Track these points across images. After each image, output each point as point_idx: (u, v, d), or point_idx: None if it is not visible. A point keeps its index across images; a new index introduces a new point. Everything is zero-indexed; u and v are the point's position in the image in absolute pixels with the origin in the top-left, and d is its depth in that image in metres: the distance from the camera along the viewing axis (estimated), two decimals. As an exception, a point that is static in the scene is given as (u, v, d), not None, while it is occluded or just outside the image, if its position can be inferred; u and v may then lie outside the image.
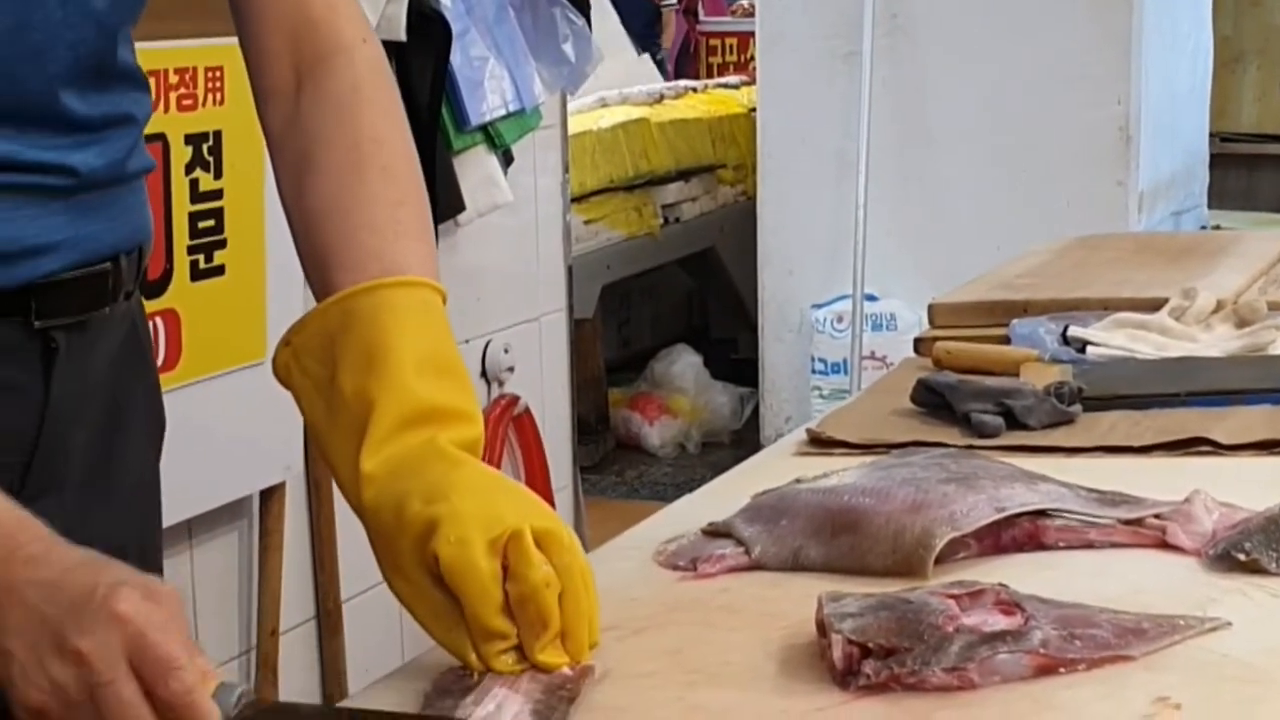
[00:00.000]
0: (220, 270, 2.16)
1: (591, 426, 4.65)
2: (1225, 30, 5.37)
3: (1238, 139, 5.67)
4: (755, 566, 1.18)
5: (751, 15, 5.15)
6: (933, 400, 1.54)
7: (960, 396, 1.51)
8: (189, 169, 2.10)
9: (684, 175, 5.05)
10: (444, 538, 0.93)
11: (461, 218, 2.76)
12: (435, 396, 0.98)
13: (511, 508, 0.95)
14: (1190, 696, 0.94)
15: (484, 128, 2.78)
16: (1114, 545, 1.19)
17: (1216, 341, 1.73)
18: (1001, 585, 1.03)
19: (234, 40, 1.16)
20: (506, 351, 3.01)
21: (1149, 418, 1.50)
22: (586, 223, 4.48)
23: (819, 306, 4.56)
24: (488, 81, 2.75)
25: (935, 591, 1.02)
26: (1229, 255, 2.12)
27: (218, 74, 2.11)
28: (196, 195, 2.12)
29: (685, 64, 6.60)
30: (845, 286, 4.44)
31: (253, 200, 2.18)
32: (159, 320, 2.11)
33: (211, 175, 2.13)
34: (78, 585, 0.85)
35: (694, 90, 5.54)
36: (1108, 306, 1.82)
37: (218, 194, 2.14)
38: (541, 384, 3.14)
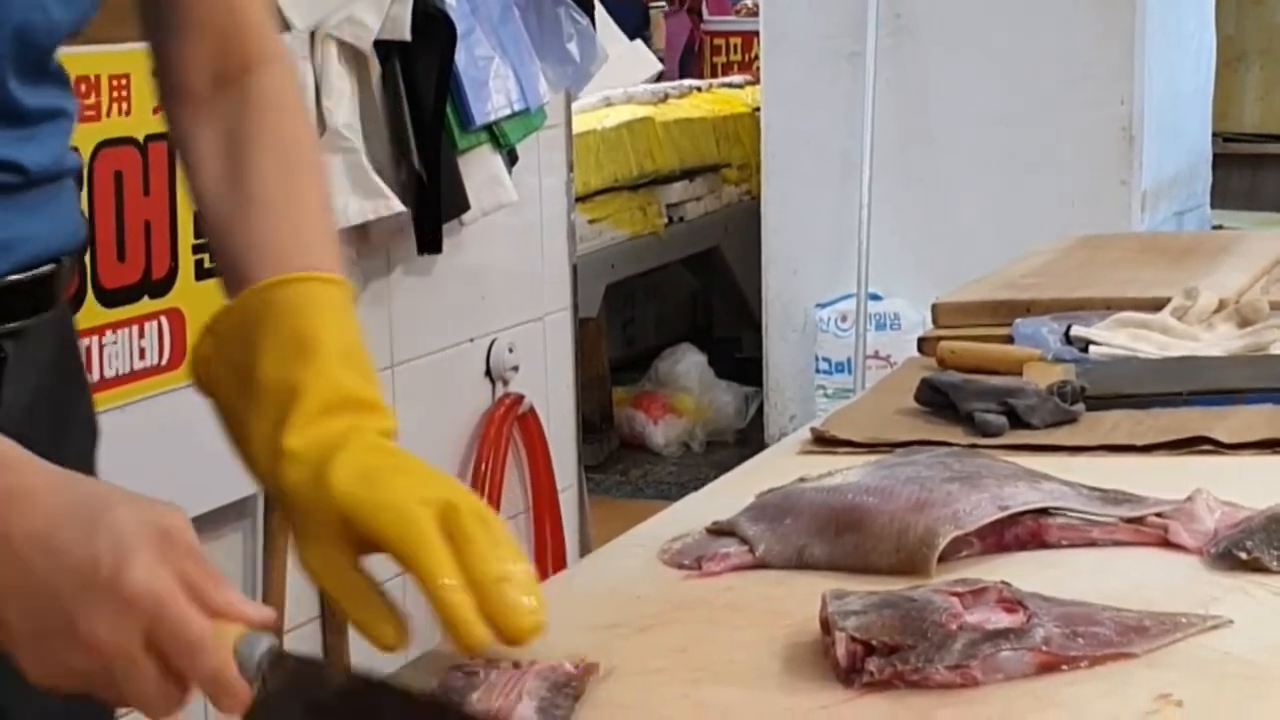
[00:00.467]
0: (225, 270, 2.16)
1: (596, 426, 4.66)
2: (1228, 30, 5.36)
3: (1241, 139, 5.67)
4: (760, 565, 1.18)
5: (756, 15, 5.14)
6: (936, 399, 1.54)
7: (964, 396, 1.51)
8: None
9: (688, 175, 5.05)
10: (377, 511, 0.93)
11: (466, 217, 2.77)
12: (358, 387, 0.99)
13: (442, 485, 0.95)
14: (1192, 694, 0.94)
15: (488, 127, 2.79)
16: (1116, 543, 1.19)
17: (1219, 341, 1.73)
18: (1004, 583, 1.03)
19: None
20: (511, 351, 3.02)
21: (1151, 417, 1.50)
22: (591, 222, 4.49)
23: (823, 306, 4.56)
24: (492, 81, 2.76)
25: (938, 589, 1.03)
26: (1231, 255, 2.12)
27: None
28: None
29: (690, 63, 6.59)
30: (849, 286, 4.44)
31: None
32: (163, 319, 2.12)
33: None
34: (77, 552, 0.81)
35: (698, 90, 5.54)
36: (1111, 306, 1.82)
37: (223, 193, 2.14)
38: (546, 383, 3.15)
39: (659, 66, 5.90)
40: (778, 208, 4.65)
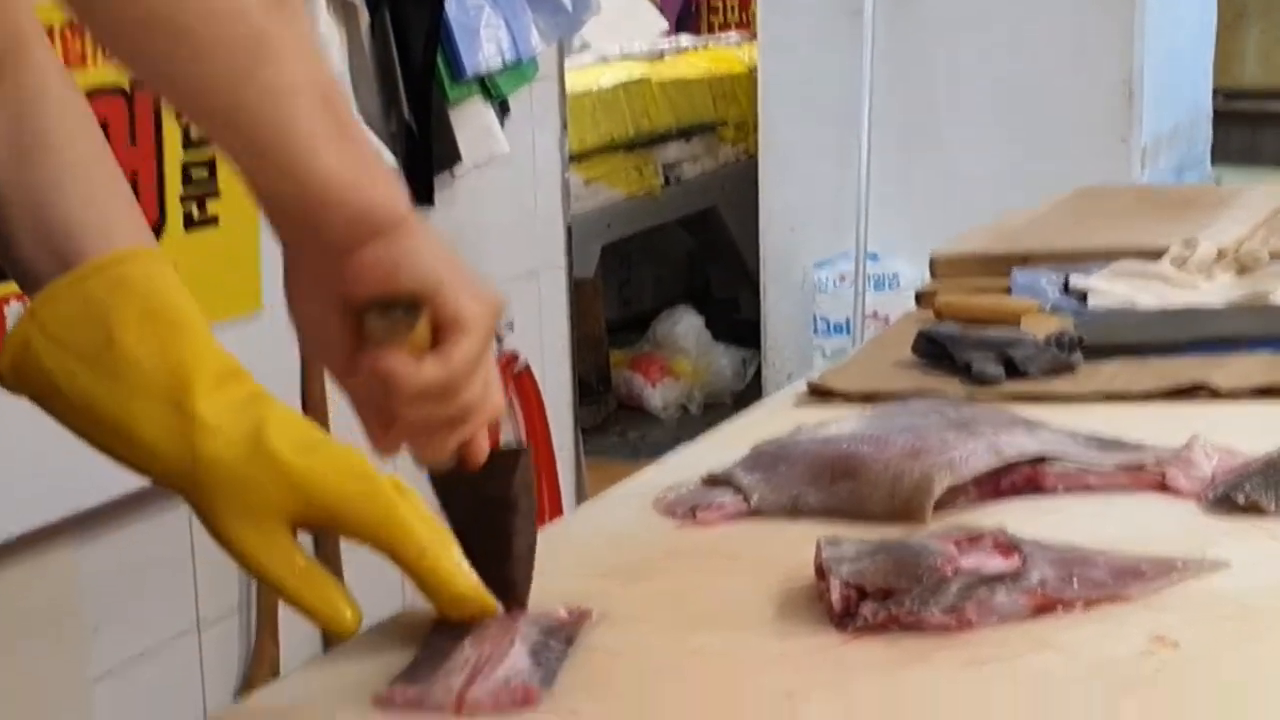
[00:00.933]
0: (214, 221, 2.15)
1: (593, 388, 4.64)
2: (1228, -13, 5.33)
3: (1241, 95, 5.64)
4: (754, 514, 1.18)
5: (753, -27, 5.11)
6: (934, 351, 1.53)
7: (961, 346, 1.51)
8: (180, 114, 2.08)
9: (685, 134, 5.03)
10: (343, 480, 0.91)
11: (457, 169, 2.75)
12: (230, 356, 0.96)
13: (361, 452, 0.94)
14: (1188, 635, 0.93)
15: (480, 79, 2.77)
16: (1114, 490, 1.19)
17: (1218, 290, 1.72)
18: (1000, 529, 1.03)
19: None
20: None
21: (1149, 366, 1.49)
22: (586, 182, 4.46)
23: (821, 265, 4.55)
24: (484, 30, 2.73)
25: (934, 536, 1.02)
26: (1230, 206, 2.11)
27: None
28: (189, 142, 2.11)
29: (687, 22, 6.56)
30: (847, 244, 4.43)
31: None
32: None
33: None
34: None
35: (694, 48, 5.51)
36: (1109, 256, 1.81)
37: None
38: (541, 343, 3.14)
39: (665, 24, 5.86)
40: (775, 166, 4.63)
